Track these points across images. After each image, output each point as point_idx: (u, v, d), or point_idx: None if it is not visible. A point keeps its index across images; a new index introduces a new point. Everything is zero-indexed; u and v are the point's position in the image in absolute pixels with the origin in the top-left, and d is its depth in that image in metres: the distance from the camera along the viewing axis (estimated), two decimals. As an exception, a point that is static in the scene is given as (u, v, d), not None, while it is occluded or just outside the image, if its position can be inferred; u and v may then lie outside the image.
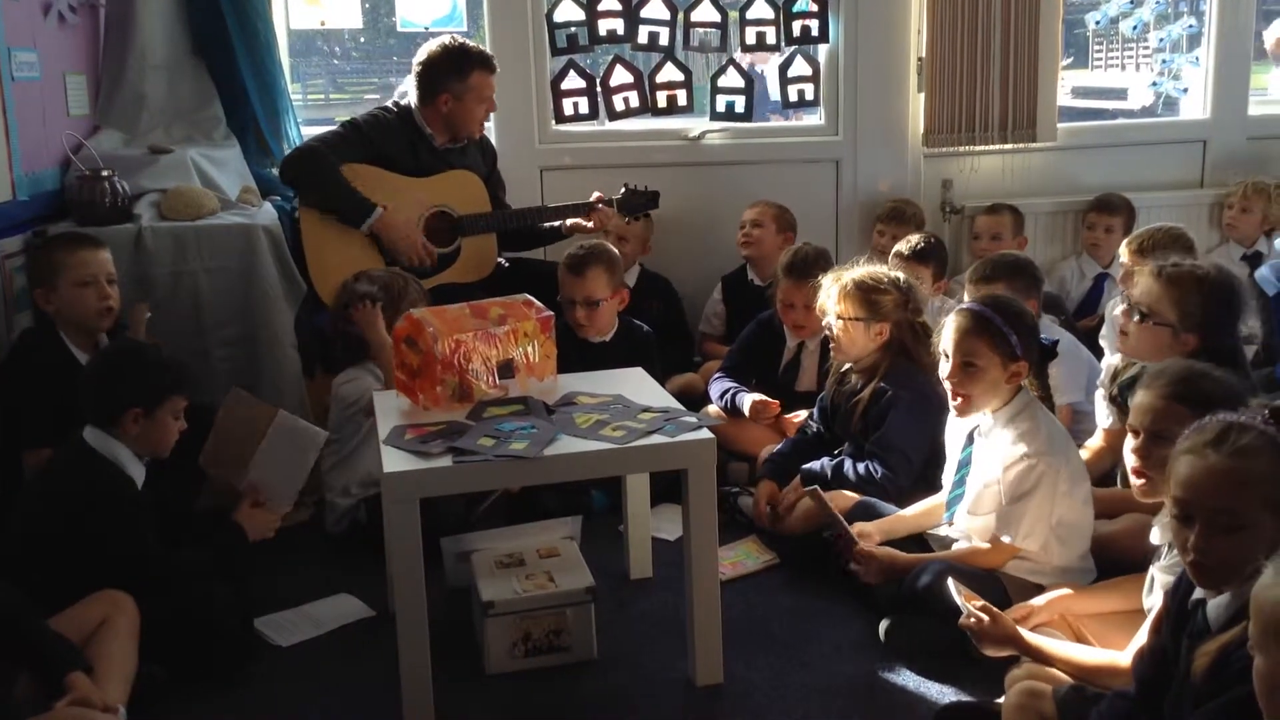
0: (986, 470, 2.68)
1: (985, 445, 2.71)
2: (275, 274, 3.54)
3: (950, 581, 2.38)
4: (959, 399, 2.70)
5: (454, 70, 3.83)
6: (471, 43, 3.93)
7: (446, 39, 3.91)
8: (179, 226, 3.48)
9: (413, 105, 3.92)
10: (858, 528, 2.81)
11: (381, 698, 2.46)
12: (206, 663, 2.59)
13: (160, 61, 3.93)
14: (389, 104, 3.99)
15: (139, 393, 2.63)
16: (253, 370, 3.53)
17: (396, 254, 3.77)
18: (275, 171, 3.98)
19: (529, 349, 2.79)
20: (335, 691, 2.56)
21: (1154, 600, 2.15)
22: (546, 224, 4.10)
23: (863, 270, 3.20)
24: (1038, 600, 2.49)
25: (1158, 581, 2.18)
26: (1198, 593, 1.78)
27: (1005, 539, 2.62)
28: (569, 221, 4.06)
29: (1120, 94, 5.74)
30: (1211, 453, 1.72)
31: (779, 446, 3.40)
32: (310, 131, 4.07)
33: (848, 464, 3.13)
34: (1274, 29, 5.55)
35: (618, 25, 4.45)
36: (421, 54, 3.89)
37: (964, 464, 2.78)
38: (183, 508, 2.98)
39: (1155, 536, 2.23)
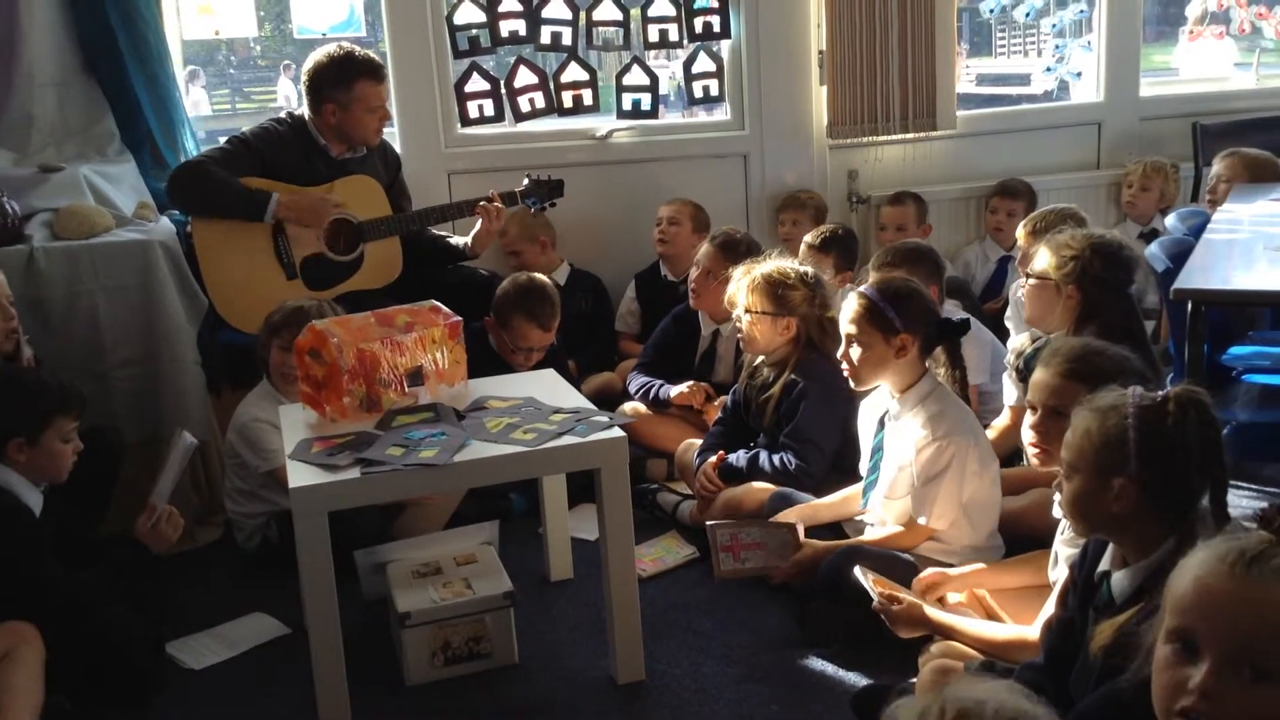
0: (899, 454, 2.72)
1: (896, 429, 2.75)
2: (175, 290, 3.44)
3: (857, 569, 2.42)
4: (850, 373, 2.77)
5: (338, 80, 3.70)
6: (359, 50, 3.79)
7: (332, 47, 3.77)
8: (73, 246, 3.37)
9: (306, 116, 3.81)
10: (781, 516, 2.84)
11: (298, 717, 2.42)
12: (116, 691, 2.53)
13: (49, 79, 3.80)
14: (283, 115, 3.87)
15: (16, 423, 2.55)
16: (156, 389, 3.43)
17: (309, 226, 3.67)
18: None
19: (438, 355, 2.75)
20: (251, 714, 2.52)
21: (1059, 574, 2.20)
22: (453, 241, 4.00)
23: (772, 265, 3.22)
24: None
25: (1061, 555, 2.23)
26: (1103, 565, 1.82)
27: (920, 520, 2.66)
28: (470, 239, 3.94)
29: (1023, 80, 5.88)
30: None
31: (707, 439, 3.37)
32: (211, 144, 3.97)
33: (763, 456, 3.15)
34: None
35: (519, 26, 4.42)
36: (308, 63, 3.77)
37: (877, 450, 2.82)
38: (86, 534, 2.90)
39: (1057, 511, 2.27)
